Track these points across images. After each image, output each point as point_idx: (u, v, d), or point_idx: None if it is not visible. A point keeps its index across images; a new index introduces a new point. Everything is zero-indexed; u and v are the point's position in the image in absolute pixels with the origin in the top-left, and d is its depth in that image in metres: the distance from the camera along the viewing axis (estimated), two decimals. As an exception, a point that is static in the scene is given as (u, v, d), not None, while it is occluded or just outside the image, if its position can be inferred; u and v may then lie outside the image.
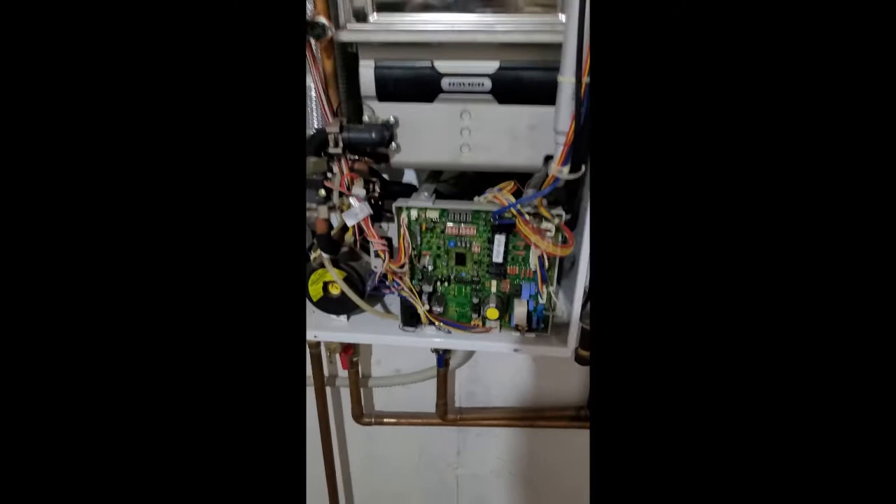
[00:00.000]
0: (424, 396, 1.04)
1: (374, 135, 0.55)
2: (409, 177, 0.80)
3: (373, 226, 0.63)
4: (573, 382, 1.02)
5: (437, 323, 0.68)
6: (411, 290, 0.66)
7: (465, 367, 1.04)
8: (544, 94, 0.53)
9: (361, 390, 1.03)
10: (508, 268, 0.66)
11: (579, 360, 0.94)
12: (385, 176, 0.74)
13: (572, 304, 0.67)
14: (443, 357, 0.90)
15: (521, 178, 0.62)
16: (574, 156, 0.51)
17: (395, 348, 1.03)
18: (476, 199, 0.64)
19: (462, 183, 0.76)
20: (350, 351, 0.91)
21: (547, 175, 0.57)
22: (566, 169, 0.52)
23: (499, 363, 1.02)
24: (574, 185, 0.67)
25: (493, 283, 0.68)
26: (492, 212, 0.62)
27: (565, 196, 0.65)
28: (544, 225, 0.59)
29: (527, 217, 0.58)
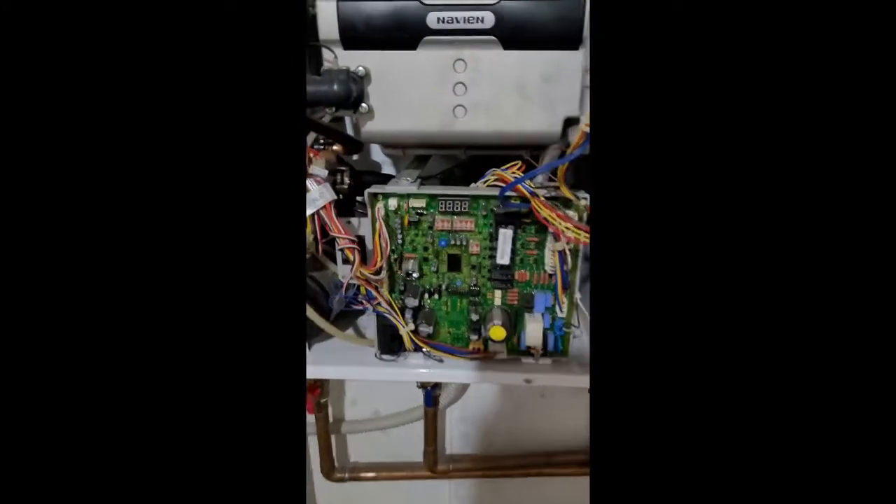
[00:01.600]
0: (410, 442, 0.87)
1: (336, 86, 0.40)
2: (388, 168, 0.65)
3: (339, 219, 0.47)
4: (586, 418, 0.86)
5: (425, 348, 0.52)
6: (391, 306, 0.51)
7: (458, 405, 0.87)
8: (564, 31, 0.40)
9: (333, 438, 0.86)
10: (517, 272, 0.51)
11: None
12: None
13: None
14: (431, 393, 0.74)
15: (529, 167, 0.48)
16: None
17: (371, 384, 0.86)
18: (473, 185, 0.50)
19: (452, 180, 0.62)
20: (317, 390, 0.74)
21: (565, 150, 0.43)
22: (603, 122, 0.38)
23: (497, 397, 0.86)
24: None
25: (497, 293, 0.52)
26: (495, 199, 0.48)
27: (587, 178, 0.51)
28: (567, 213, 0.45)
29: (542, 199, 0.44)
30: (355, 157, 0.68)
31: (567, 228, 0.42)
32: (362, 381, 0.84)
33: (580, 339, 0.58)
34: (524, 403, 0.86)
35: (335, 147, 0.57)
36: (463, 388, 0.81)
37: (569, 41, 0.41)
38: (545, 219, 0.43)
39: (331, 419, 0.86)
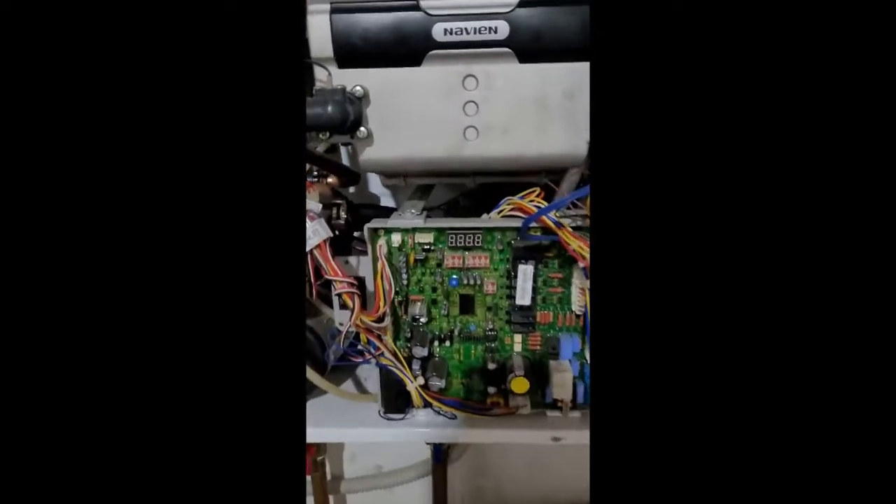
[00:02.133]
0: (416, 501, 0.78)
1: (331, 108, 0.35)
2: (387, 201, 0.60)
3: (335, 259, 0.41)
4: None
5: (435, 405, 0.45)
6: (396, 357, 0.44)
7: (468, 455, 0.79)
8: (587, 40, 0.35)
9: (331, 499, 0.77)
10: (539, 313, 0.45)
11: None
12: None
13: None
14: (441, 448, 0.66)
15: (548, 193, 0.43)
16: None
17: (374, 440, 0.78)
18: (486, 216, 0.44)
19: (457, 210, 0.56)
20: (312, 450, 0.67)
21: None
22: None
23: (512, 445, 0.78)
24: None
25: (517, 338, 0.46)
26: (511, 230, 0.42)
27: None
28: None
29: (569, 229, 0.38)
30: (352, 189, 0.63)
31: None
32: (364, 442, 0.77)
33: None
34: (541, 453, 0.78)
35: (330, 179, 0.51)
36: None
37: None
38: (575, 251, 0.37)
39: (328, 477, 0.78)
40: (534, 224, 0.40)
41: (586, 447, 0.79)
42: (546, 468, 0.79)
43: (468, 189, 0.55)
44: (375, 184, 0.62)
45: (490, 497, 0.82)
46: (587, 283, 0.40)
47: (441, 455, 0.66)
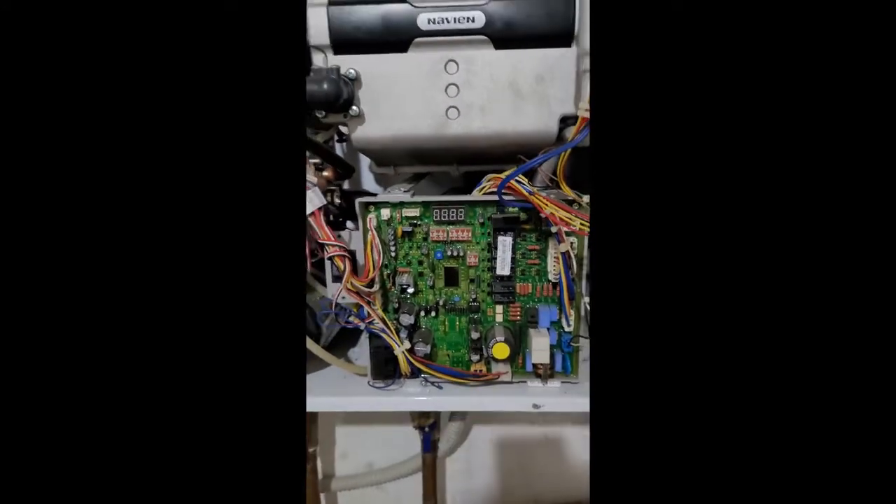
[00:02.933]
0: (408, 498, 0.79)
1: (326, 85, 0.39)
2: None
3: (328, 227, 0.45)
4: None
5: (423, 369, 0.48)
6: (385, 323, 0.47)
7: (459, 456, 0.80)
8: (555, 28, 0.40)
9: (322, 497, 0.78)
10: (518, 284, 0.48)
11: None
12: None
13: None
14: (430, 437, 0.68)
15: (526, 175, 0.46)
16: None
17: (364, 433, 0.80)
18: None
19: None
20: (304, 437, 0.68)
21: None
22: (603, 105, 0.36)
23: (502, 446, 0.80)
24: None
25: (499, 309, 0.49)
26: (492, 206, 0.46)
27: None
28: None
29: (543, 195, 0.42)
30: (346, 185, 0.67)
31: (572, 219, 0.40)
32: (354, 428, 0.78)
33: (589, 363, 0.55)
34: (533, 453, 0.80)
35: (326, 172, 0.55)
36: (464, 433, 0.75)
37: (560, 38, 0.41)
38: (551, 214, 0.40)
39: (320, 475, 0.78)
40: (511, 196, 0.43)
41: (575, 443, 0.82)
42: (537, 468, 0.81)
43: (456, 185, 0.59)
44: (368, 179, 0.66)
45: (481, 497, 0.82)
46: (561, 248, 0.43)
47: (430, 444, 0.68)
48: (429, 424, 0.64)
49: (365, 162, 0.63)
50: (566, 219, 0.40)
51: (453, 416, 0.69)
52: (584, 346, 0.51)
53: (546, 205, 0.41)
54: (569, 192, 0.42)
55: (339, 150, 0.62)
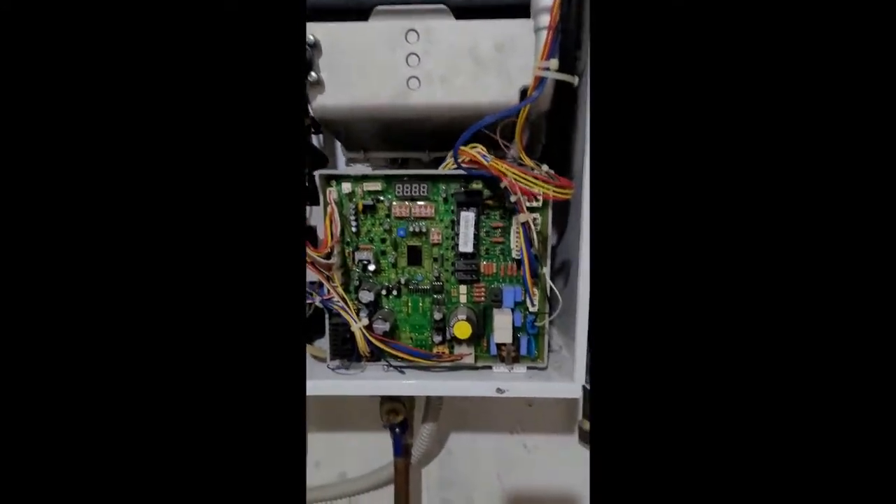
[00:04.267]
0: (380, 510, 0.75)
1: (282, 48, 0.39)
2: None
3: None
4: (584, 472, 0.76)
5: (382, 347, 0.46)
6: (344, 300, 0.46)
7: (435, 465, 0.77)
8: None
9: (291, 506, 0.74)
10: (483, 264, 0.47)
11: (585, 437, 0.71)
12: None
13: (574, 340, 0.46)
14: (401, 439, 0.65)
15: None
16: (564, 45, 0.36)
17: (338, 442, 0.77)
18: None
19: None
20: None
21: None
22: (554, 62, 0.36)
23: (481, 453, 0.76)
24: (565, 138, 0.52)
25: (462, 289, 0.48)
26: (456, 181, 0.45)
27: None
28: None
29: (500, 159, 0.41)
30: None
31: (533, 183, 0.39)
32: (329, 436, 0.75)
33: (559, 354, 0.53)
34: (511, 460, 0.76)
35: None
36: (440, 440, 0.72)
37: (518, 9, 0.41)
38: (511, 182, 0.40)
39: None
40: (473, 167, 0.43)
41: (553, 450, 0.78)
42: (516, 476, 0.77)
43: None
44: (341, 168, 0.66)
45: (458, 510, 0.78)
46: (521, 218, 0.42)
47: (401, 447, 0.65)
48: (399, 423, 0.61)
49: (342, 156, 0.62)
50: (528, 183, 0.39)
51: (426, 417, 0.66)
52: (561, 340, 0.49)
53: (506, 171, 0.40)
54: (527, 160, 0.42)
55: (315, 140, 0.62)
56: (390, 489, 0.72)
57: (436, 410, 0.66)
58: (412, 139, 0.51)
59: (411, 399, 0.64)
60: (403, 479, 0.69)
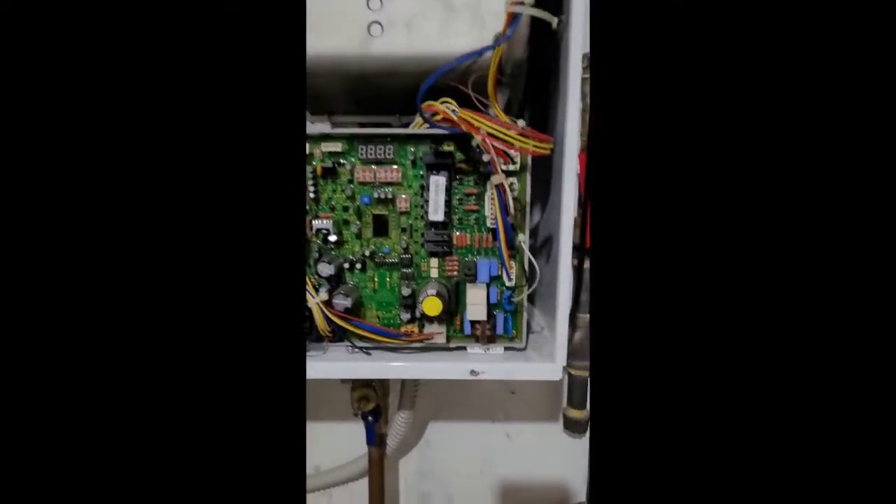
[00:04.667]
0: (356, 502, 0.72)
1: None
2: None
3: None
4: (569, 461, 0.72)
5: (343, 325, 0.42)
6: (301, 274, 0.41)
7: (413, 455, 0.73)
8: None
9: None
10: (455, 234, 0.43)
11: (570, 425, 0.67)
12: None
13: (555, 319, 0.43)
14: (374, 428, 0.61)
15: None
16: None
17: (309, 436, 0.72)
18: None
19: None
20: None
21: (499, 78, 0.37)
22: (530, -3, 0.32)
23: (462, 443, 0.73)
24: (544, 95, 0.47)
25: (433, 262, 0.43)
26: (425, 142, 0.41)
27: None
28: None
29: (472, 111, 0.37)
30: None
31: (508, 136, 0.35)
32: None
33: (541, 334, 0.49)
34: (494, 452, 0.73)
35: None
36: (412, 423, 0.68)
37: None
38: (483, 138, 0.35)
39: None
40: (444, 127, 0.38)
41: (533, 439, 0.74)
42: (498, 466, 0.73)
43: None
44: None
45: (439, 501, 0.75)
46: (495, 180, 0.38)
47: (374, 436, 0.61)
48: (371, 411, 0.57)
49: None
50: (503, 136, 0.35)
51: (401, 404, 0.62)
52: (543, 321, 0.45)
53: (478, 123, 0.36)
54: (501, 115, 0.37)
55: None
56: (365, 482, 0.68)
57: (411, 397, 0.62)
58: (380, 101, 0.46)
59: (384, 385, 0.60)
60: (378, 471, 0.65)
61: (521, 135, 0.35)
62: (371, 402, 0.56)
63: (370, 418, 0.59)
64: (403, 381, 0.62)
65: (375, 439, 0.62)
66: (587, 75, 0.39)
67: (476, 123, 0.35)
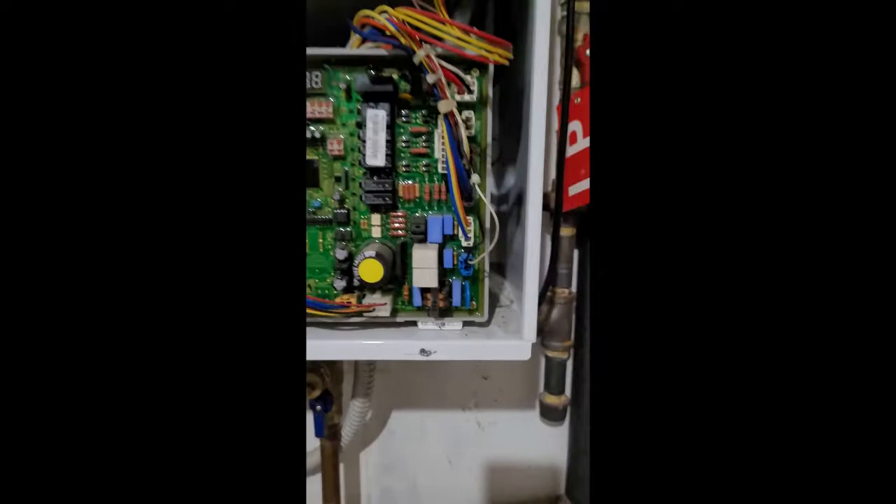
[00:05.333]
0: (311, 498, 0.64)
1: None
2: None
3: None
4: (547, 452, 0.66)
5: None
6: (207, 232, 0.33)
7: (376, 447, 0.66)
8: None
9: None
10: (402, 185, 0.35)
11: (547, 413, 0.60)
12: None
13: (522, 290, 0.35)
14: (322, 418, 0.53)
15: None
16: None
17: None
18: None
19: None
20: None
21: None
22: None
23: (429, 433, 0.66)
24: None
25: (375, 219, 0.36)
26: (362, 67, 0.33)
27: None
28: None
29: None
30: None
31: (461, 40, 0.27)
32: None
33: (509, 309, 0.41)
34: (460, 438, 0.66)
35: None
36: (367, 411, 0.61)
37: None
38: (426, 56, 0.27)
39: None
40: (383, 39, 0.30)
41: (514, 435, 0.65)
42: (468, 457, 0.67)
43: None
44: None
45: (405, 499, 0.68)
46: (444, 107, 0.30)
47: (322, 426, 0.53)
48: (318, 399, 0.50)
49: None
50: (452, 39, 0.27)
51: (355, 391, 0.55)
52: (514, 294, 0.38)
53: (427, 25, 0.28)
54: (445, 15, 0.29)
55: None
56: (318, 478, 0.61)
57: (365, 383, 0.55)
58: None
59: (334, 369, 0.53)
60: (332, 465, 0.58)
61: (478, 38, 0.27)
62: (316, 388, 0.49)
63: (318, 407, 0.52)
64: (356, 365, 0.55)
65: (325, 431, 0.54)
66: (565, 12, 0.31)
67: (425, 28, 0.27)
